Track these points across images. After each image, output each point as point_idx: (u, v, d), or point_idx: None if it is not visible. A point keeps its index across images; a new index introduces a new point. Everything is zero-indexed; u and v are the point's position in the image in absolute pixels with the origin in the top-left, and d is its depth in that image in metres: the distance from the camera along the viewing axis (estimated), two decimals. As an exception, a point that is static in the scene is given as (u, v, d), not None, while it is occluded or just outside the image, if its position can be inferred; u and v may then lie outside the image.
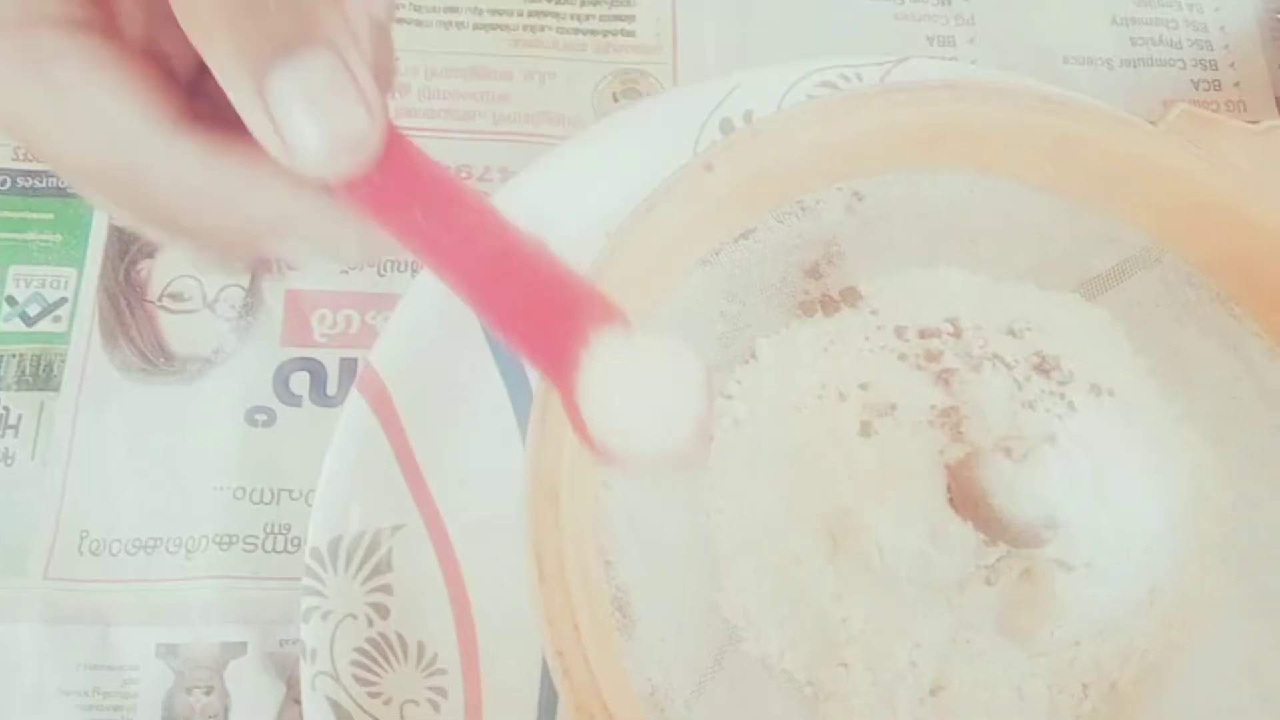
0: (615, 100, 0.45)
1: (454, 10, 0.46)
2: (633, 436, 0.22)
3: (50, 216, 0.41)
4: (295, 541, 0.37)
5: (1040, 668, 0.31)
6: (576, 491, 0.30)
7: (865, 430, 0.32)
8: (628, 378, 0.22)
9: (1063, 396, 0.32)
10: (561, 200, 0.37)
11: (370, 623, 0.33)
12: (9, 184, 0.41)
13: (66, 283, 0.40)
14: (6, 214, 0.41)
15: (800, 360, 0.35)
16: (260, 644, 0.36)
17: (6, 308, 0.39)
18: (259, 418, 0.39)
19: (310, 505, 0.34)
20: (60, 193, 0.41)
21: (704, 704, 0.31)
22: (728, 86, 0.39)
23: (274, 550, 0.37)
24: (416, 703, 0.33)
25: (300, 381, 0.39)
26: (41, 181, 0.41)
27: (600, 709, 0.28)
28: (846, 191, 0.36)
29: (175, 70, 0.22)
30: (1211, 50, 0.48)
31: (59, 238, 0.40)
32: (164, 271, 0.40)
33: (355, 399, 0.35)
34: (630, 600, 0.31)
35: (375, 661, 0.33)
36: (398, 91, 0.44)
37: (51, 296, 0.40)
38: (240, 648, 0.36)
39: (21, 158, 0.42)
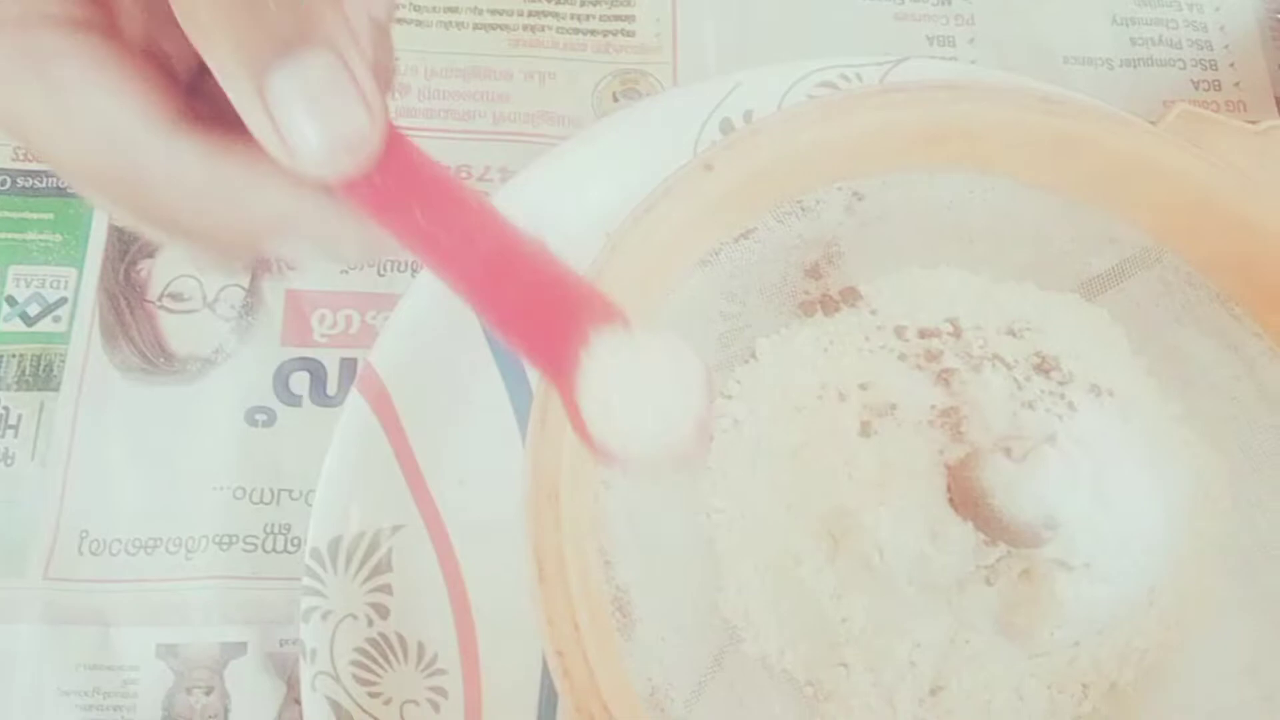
0: (615, 100, 0.45)
1: (454, 10, 0.46)
2: (633, 436, 0.22)
3: (50, 216, 0.41)
4: (295, 541, 0.37)
5: (1040, 668, 0.31)
6: (576, 492, 0.30)
7: (865, 430, 0.32)
8: (628, 378, 0.22)
9: (1063, 396, 0.32)
10: (561, 200, 0.37)
11: (370, 623, 0.33)
12: (9, 184, 0.41)
13: (66, 283, 0.40)
14: (6, 214, 0.41)
15: (800, 360, 0.35)
16: (260, 644, 0.36)
17: (6, 308, 0.39)
18: (259, 418, 0.39)
19: (310, 505, 0.34)
20: (60, 193, 0.41)
21: (704, 704, 0.31)
22: (728, 86, 0.39)
23: (274, 550, 0.37)
24: (416, 703, 0.33)
25: (300, 381, 0.39)
26: (41, 181, 0.41)
27: (600, 709, 0.28)
28: (846, 191, 0.36)
29: (175, 70, 0.22)
30: (1211, 50, 0.48)
31: (59, 238, 0.40)
32: (164, 271, 0.40)
33: (355, 399, 0.35)
34: (630, 600, 0.31)
35: (375, 661, 0.33)
36: (398, 91, 0.44)
37: (51, 296, 0.40)
38: (240, 648, 0.36)
39: (21, 158, 0.42)
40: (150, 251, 0.41)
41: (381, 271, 0.41)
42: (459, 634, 0.34)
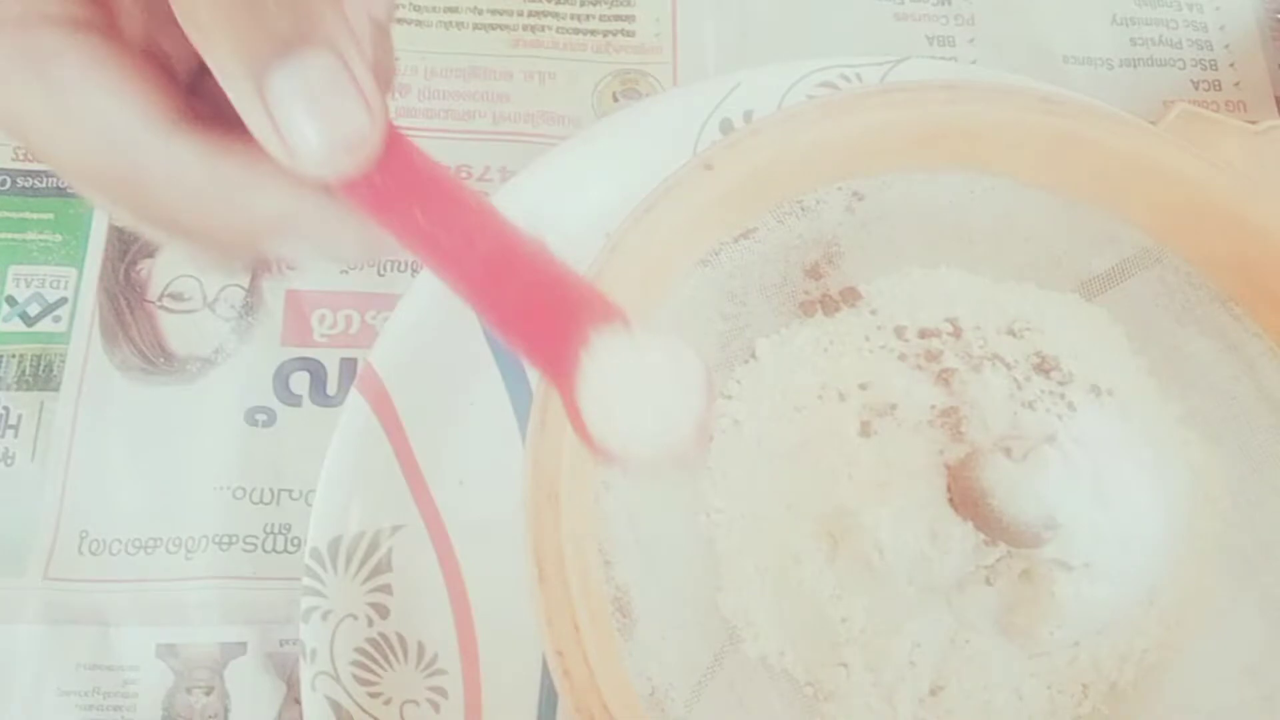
0: (615, 100, 0.45)
1: (454, 10, 0.46)
2: (633, 436, 0.22)
3: (50, 216, 0.41)
4: (295, 541, 0.37)
5: (1039, 668, 0.31)
6: (576, 492, 0.30)
7: (865, 430, 0.32)
8: (627, 378, 0.22)
9: (1062, 396, 0.32)
10: (561, 200, 0.37)
11: (370, 623, 0.33)
12: (9, 184, 0.41)
13: (66, 283, 0.40)
14: (6, 214, 0.41)
15: (800, 360, 0.35)
16: (260, 644, 0.36)
17: (6, 308, 0.39)
18: (259, 418, 0.39)
19: (310, 505, 0.34)
20: (60, 193, 0.41)
21: (704, 704, 0.31)
22: (728, 86, 0.39)
23: (274, 550, 0.37)
24: (416, 703, 0.33)
25: (300, 381, 0.39)
26: (41, 181, 0.41)
27: (600, 709, 0.28)
28: (846, 191, 0.36)
29: (175, 70, 0.22)
30: (1211, 50, 0.48)
31: (59, 238, 0.40)
32: (164, 271, 0.40)
33: (355, 399, 0.35)
34: (630, 600, 0.31)
35: (375, 661, 0.33)
36: (398, 91, 0.44)
37: (51, 296, 0.40)
38: (240, 648, 0.36)
39: (21, 158, 0.42)
40: (150, 251, 0.41)
41: (381, 271, 0.41)
42: (459, 634, 0.34)
